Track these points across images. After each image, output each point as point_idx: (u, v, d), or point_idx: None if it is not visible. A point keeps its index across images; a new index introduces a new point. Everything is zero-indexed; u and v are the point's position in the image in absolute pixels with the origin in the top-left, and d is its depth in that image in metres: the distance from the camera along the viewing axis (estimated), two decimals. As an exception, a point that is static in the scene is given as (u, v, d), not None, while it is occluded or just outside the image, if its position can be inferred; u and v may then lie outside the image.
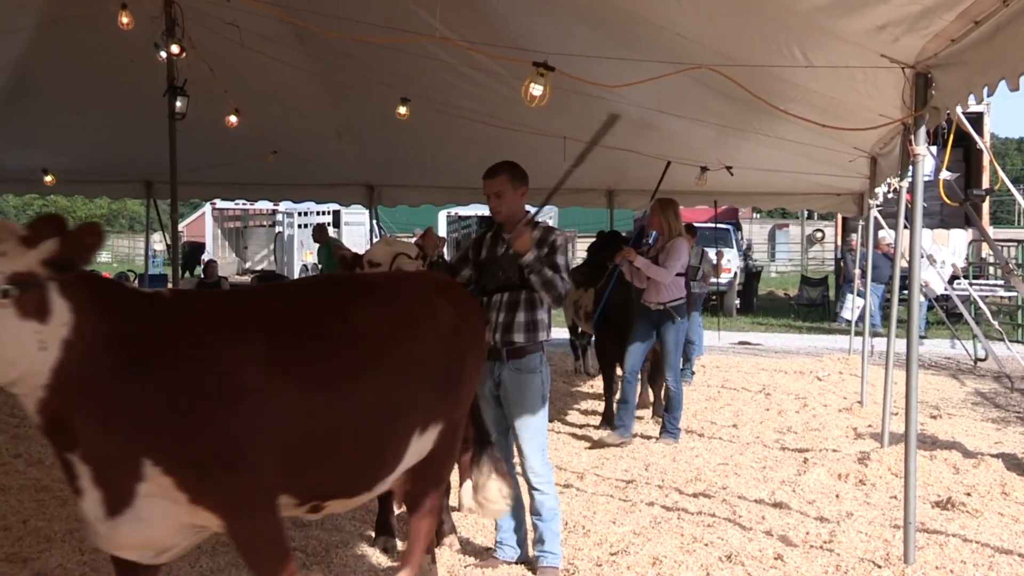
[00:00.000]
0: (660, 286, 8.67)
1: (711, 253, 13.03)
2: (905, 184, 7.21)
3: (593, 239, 12.17)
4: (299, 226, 28.25)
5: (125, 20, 8.53)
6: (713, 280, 14.15)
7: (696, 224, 13.60)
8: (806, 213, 37.75)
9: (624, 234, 12.11)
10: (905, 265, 6.82)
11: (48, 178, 14.71)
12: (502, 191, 5.28)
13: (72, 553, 5.60)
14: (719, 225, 22.87)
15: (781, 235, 43.43)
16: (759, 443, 8.98)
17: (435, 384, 4.26)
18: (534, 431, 5.30)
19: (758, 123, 8.46)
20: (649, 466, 8.04)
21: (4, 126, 12.59)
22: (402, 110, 9.90)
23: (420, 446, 4.26)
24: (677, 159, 10.71)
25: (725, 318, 21.48)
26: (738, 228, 26.20)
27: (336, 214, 28.82)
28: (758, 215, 43.14)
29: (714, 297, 21.26)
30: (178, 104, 9.34)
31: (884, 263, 15.16)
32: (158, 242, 26.97)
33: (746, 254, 26.13)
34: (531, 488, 5.34)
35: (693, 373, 12.46)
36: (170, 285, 13.35)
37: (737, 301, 23.15)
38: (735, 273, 22.69)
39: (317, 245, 17.39)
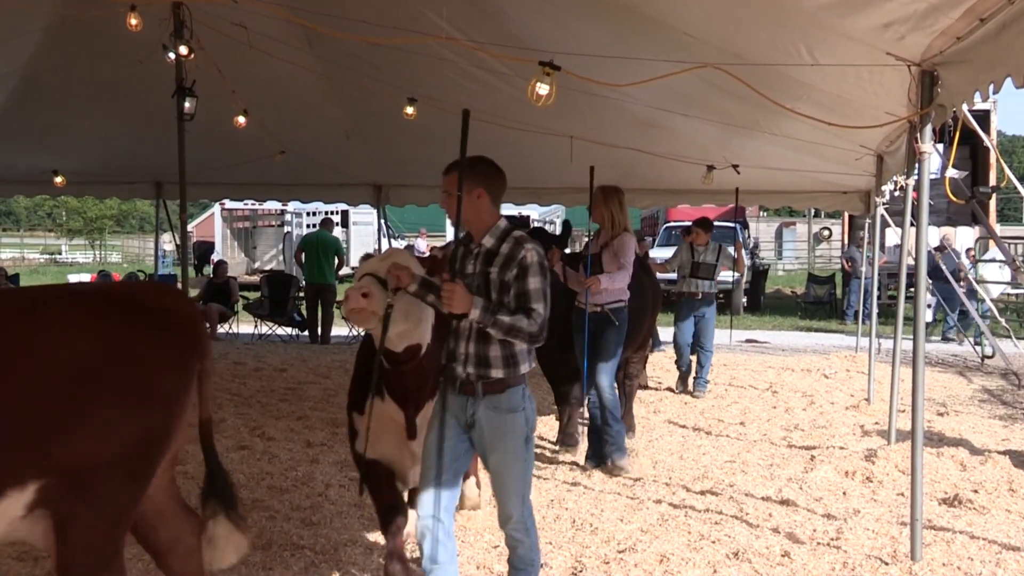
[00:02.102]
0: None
1: (729, 248, 12.27)
2: (911, 182, 7.22)
3: None
4: (308, 226, 28.30)
5: (134, 22, 8.55)
6: (725, 276, 13.95)
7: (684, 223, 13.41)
8: (813, 211, 37.75)
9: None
10: (911, 263, 6.83)
11: (58, 179, 14.77)
12: (451, 191, 4.41)
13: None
14: (726, 223, 22.93)
15: (788, 233, 43.47)
16: (766, 440, 9.00)
17: (9, 436, 3.44)
18: (514, 476, 4.45)
19: (765, 121, 8.47)
20: (656, 464, 8.07)
21: (14, 128, 12.63)
22: (409, 110, 9.93)
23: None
24: (683, 158, 10.74)
25: (732, 316, 21.53)
26: (745, 226, 26.20)
27: (344, 214, 28.86)
28: (765, 213, 43.15)
29: (721, 295, 21.27)
30: (187, 105, 9.38)
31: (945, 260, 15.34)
32: (168, 242, 27.06)
33: (753, 252, 26.11)
34: (507, 537, 4.56)
35: (707, 382, 11.79)
36: (180, 285, 13.42)
37: (744, 299, 23.17)
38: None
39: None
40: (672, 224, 23.29)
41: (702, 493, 7.14)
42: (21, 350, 3.49)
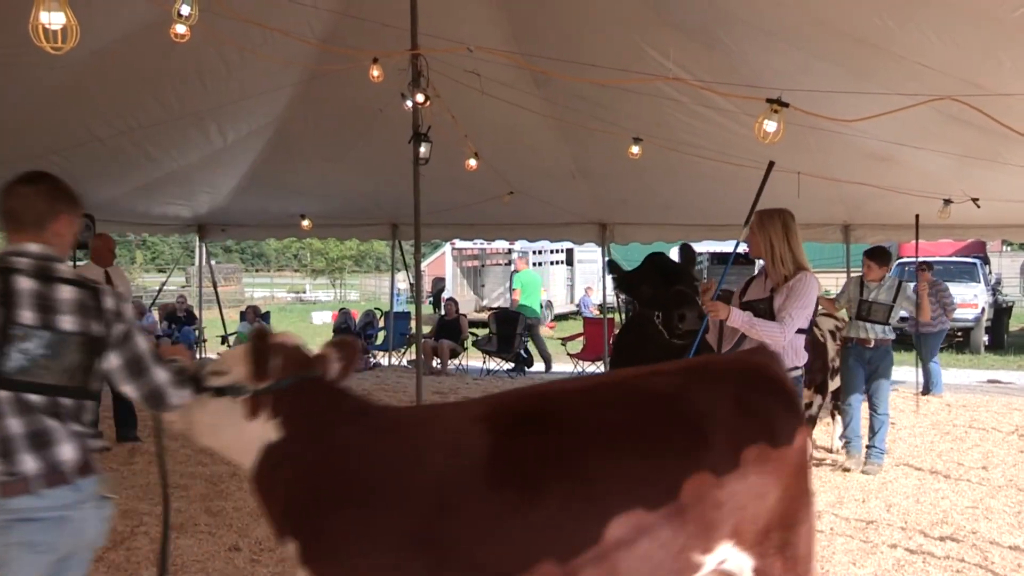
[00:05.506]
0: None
1: (909, 288, 9.54)
2: None
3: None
4: (533, 264, 28.91)
5: (376, 73, 9.12)
6: (964, 313, 13.05)
7: (928, 259, 12.53)
8: (1065, 245, 35.33)
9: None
10: None
11: (305, 223, 15.91)
12: None
13: None
14: (965, 259, 21.88)
15: (1037, 268, 40.72)
16: (1013, 487, 8.52)
17: None
18: None
19: (1008, 152, 8.14)
20: (891, 507, 7.80)
21: (268, 176, 13.69)
22: (635, 149, 10.10)
23: None
24: (918, 192, 10.40)
25: (972, 355, 20.51)
26: (986, 262, 24.86)
27: (569, 252, 29.31)
28: (1008, 248, 40.70)
29: (959, 333, 20.33)
30: (422, 150, 9.85)
31: None
32: (402, 281, 28.24)
33: (995, 288, 24.72)
34: None
35: (883, 453, 9.21)
36: (413, 323, 14.03)
37: (986, 338, 21.98)
38: (983, 309, 21.61)
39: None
40: (905, 260, 22.34)
41: (941, 539, 6.86)
42: None
